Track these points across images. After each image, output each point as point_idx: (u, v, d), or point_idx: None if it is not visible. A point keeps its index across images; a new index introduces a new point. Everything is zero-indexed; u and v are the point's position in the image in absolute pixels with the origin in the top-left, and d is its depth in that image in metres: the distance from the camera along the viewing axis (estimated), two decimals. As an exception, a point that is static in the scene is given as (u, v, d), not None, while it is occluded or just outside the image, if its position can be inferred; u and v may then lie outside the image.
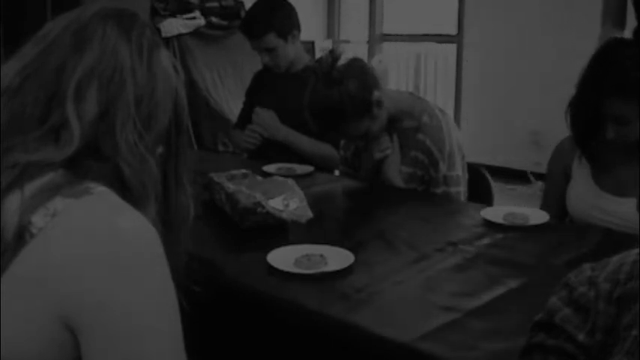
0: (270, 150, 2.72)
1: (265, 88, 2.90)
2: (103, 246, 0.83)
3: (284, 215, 1.70)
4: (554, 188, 2.07)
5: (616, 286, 0.86)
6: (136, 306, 0.84)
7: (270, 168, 2.43)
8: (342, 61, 2.12)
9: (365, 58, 2.37)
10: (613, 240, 1.71)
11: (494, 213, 1.86)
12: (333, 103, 2.08)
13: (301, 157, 2.65)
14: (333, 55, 2.13)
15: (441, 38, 6.02)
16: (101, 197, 0.88)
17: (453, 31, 5.78)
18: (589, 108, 1.84)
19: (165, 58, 0.99)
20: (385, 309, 1.33)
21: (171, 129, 1.00)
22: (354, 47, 6.34)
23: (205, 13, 5.14)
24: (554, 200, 2.04)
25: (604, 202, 1.91)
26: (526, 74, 5.26)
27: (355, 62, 2.16)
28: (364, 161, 2.35)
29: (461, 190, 2.21)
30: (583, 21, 4.63)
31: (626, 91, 1.75)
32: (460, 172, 2.22)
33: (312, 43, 5.66)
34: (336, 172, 2.61)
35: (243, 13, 4.71)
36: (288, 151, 2.71)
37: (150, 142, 0.94)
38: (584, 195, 1.97)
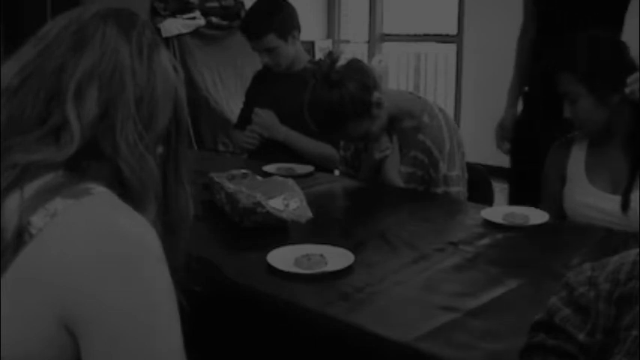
0: (270, 150, 2.72)
1: (265, 89, 2.90)
2: (103, 246, 0.83)
3: (284, 215, 1.70)
4: (551, 191, 2.07)
5: (616, 286, 0.85)
6: (135, 306, 0.84)
7: (270, 168, 2.42)
8: (341, 62, 2.12)
9: (365, 58, 2.37)
10: (613, 240, 1.70)
11: (494, 213, 1.86)
12: (332, 105, 2.08)
13: (301, 157, 2.65)
14: (332, 56, 2.13)
15: (441, 38, 6.01)
16: (101, 198, 0.87)
17: (453, 31, 5.77)
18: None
19: (165, 58, 0.99)
20: (385, 309, 1.33)
21: (171, 129, 1.00)
22: (354, 47, 6.33)
23: (205, 13, 5.13)
24: (552, 203, 2.04)
25: (599, 201, 1.91)
26: (526, 74, 5.24)
27: (354, 63, 2.16)
28: (364, 161, 2.35)
29: (461, 190, 2.21)
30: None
31: (571, 68, 1.84)
32: (460, 172, 2.22)
33: (312, 43, 5.66)
34: (336, 172, 2.61)
35: (243, 13, 4.71)
36: (288, 151, 2.71)
37: (150, 142, 0.94)
38: (579, 195, 1.97)
